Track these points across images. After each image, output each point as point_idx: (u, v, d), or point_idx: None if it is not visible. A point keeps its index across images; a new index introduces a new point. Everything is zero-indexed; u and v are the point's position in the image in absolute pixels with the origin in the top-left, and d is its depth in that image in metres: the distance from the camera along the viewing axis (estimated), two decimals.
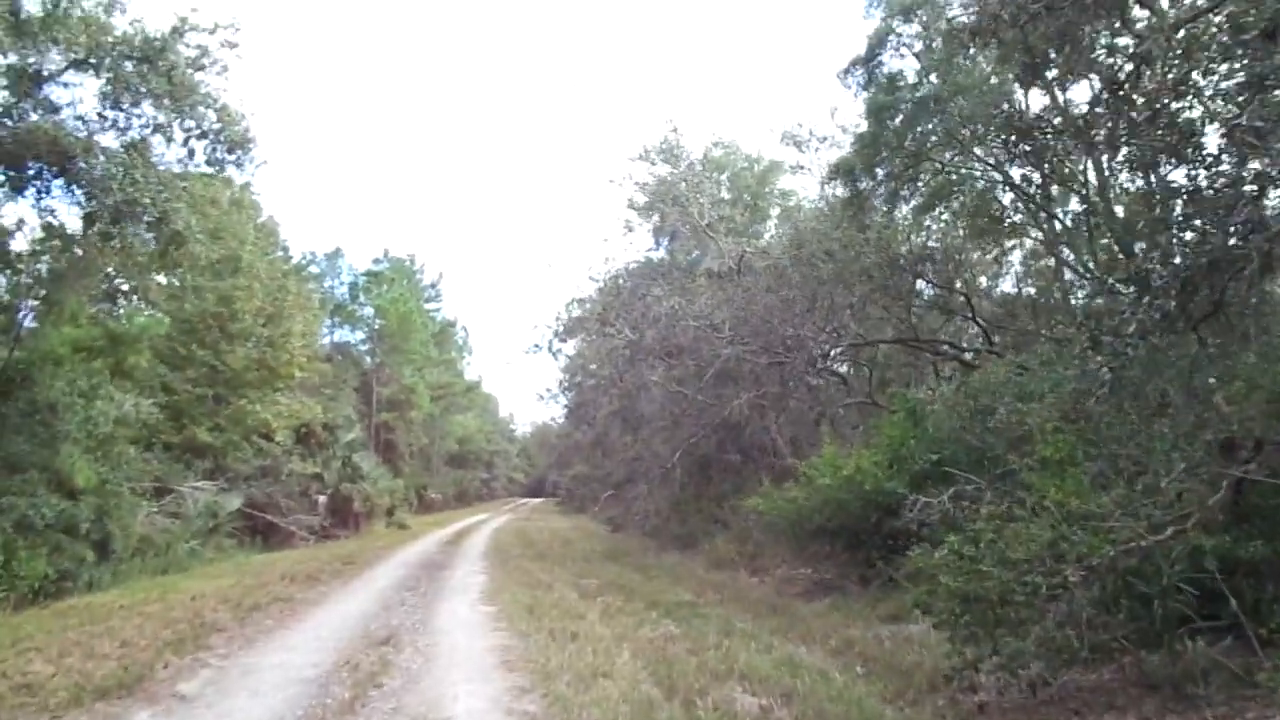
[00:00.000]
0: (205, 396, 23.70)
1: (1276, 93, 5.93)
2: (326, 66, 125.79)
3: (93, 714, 6.47)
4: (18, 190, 14.73)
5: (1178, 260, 6.32)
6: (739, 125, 56.15)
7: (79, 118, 14.86)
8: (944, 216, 18.01)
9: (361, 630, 10.01)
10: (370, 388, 47.06)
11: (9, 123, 14.04)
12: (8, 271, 15.21)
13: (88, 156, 13.62)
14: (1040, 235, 18.26)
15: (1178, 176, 10.56)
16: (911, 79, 14.07)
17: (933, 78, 13.43)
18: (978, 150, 14.38)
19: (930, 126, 14.16)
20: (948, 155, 15.01)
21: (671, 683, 6.94)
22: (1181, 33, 7.20)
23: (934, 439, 11.43)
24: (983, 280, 20.63)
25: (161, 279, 23.77)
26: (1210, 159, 6.48)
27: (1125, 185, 13.00)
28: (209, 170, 16.11)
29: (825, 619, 10.21)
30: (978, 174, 15.71)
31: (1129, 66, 8.35)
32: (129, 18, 14.60)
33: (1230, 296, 6.57)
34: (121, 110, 14.95)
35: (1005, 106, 13.24)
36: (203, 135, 15.54)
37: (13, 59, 13.71)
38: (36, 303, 15.72)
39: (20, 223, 15.30)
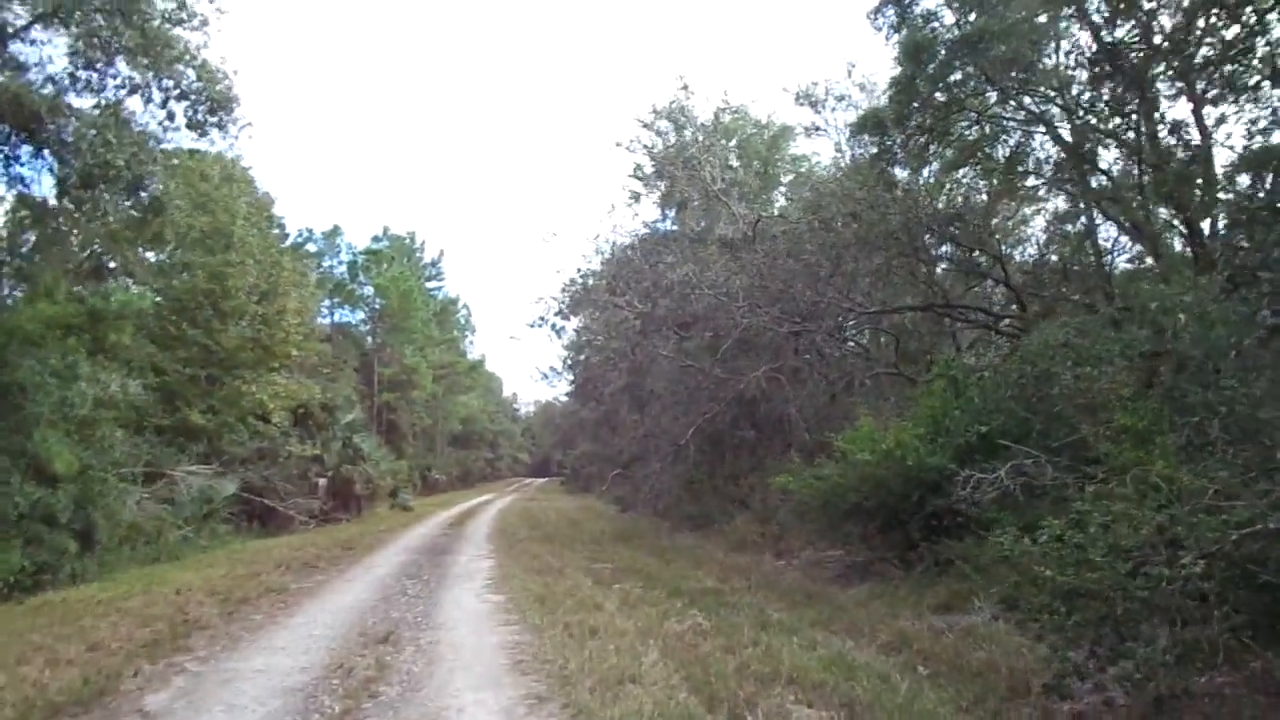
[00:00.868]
0: (198, 377, 22.76)
1: None
2: (320, 40, 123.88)
3: None
4: None
5: None
6: (746, 90, 54.70)
7: (49, 78, 13.83)
8: (972, 174, 16.95)
9: (358, 626, 9.10)
10: (371, 368, 46.24)
11: None
12: None
13: (55, 117, 12.61)
14: (1073, 193, 17.22)
15: None
16: (949, 20, 12.95)
17: (972, 17, 12.29)
18: (1025, 99, 13.28)
19: (968, 72, 13.06)
20: (985, 102, 13.92)
21: (711, 689, 6.01)
22: None
23: (980, 409, 10.47)
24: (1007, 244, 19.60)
25: (150, 256, 22.93)
26: None
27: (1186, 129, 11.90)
28: (190, 134, 14.99)
29: (868, 608, 9.28)
30: (1014, 124, 14.61)
31: None
32: None
33: None
34: (95, 70, 13.90)
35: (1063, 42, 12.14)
36: (182, 96, 14.53)
37: None
38: (10, 278, 14.72)
39: None
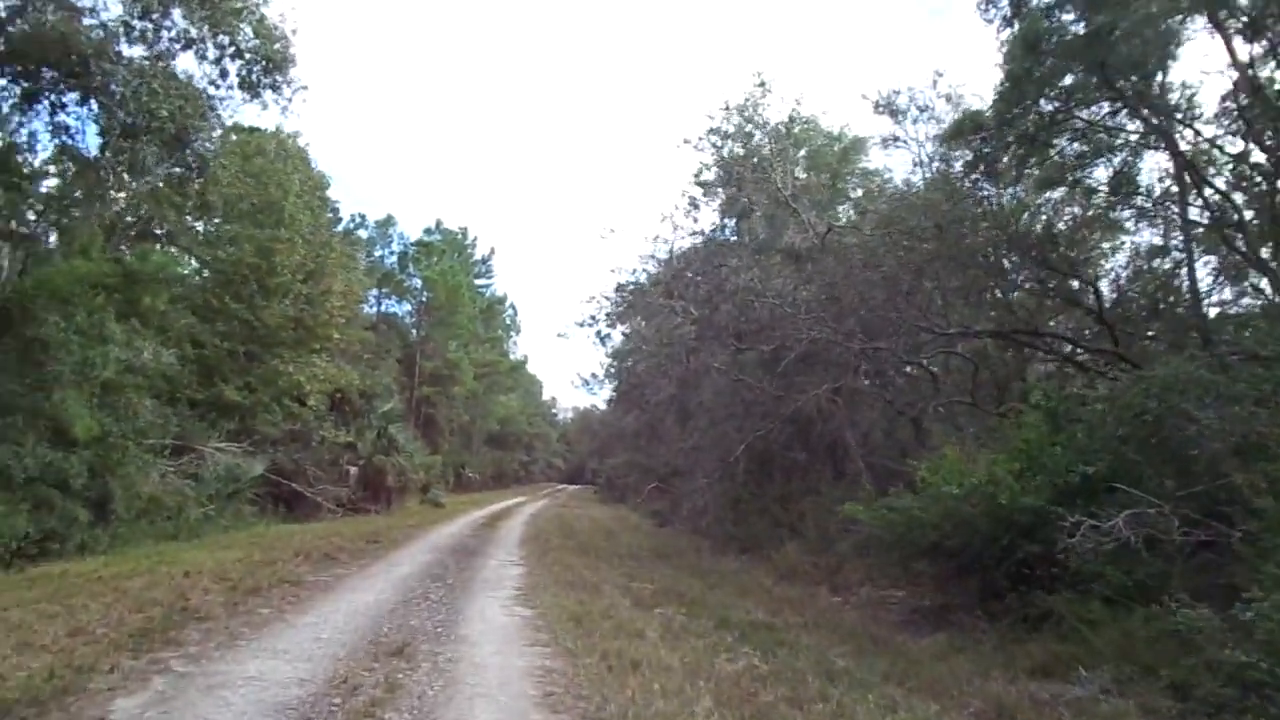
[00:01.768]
0: (236, 352, 22.15)
1: None
2: (384, 31, 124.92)
3: None
4: (30, 101, 13.13)
5: None
6: (817, 101, 53.49)
7: (102, 25, 13.21)
8: (1066, 194, 15.67)
9: (371, 632, 8.12)
10: (414, 360, 45.71)
11: (20, 22, 12.42)
12: (14, 193, 13.59)
13: (102, 62, 11.92)
14: (1169, 223, 15.89)
15: None
16: (1067, 18, 11.73)
17: (1098, 18, 11.07)
18: (1144, 110, 12.04)
19: (1080, 78, 11.86)
20: (1095, 114, 12.70)
21: None
22: None
23: (1084, 447, 9.26)
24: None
25: (200, 227, 22.46)
26: None
27: None
28: (242, 95, 14.28)
29: (948, 663, 8.11)
30: (1124, 141, 13.36)
31: None
32: None
33: None
34: (150, 19, 13.26)
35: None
36: (238, 53, 13.84)
37: None
38: (48, 229, 14.12)
39: (33, 137, 13.69)
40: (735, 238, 25.73)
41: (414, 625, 8.63)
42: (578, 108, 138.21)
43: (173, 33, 13.50)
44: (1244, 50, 11.78)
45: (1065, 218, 16.16)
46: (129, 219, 18.44)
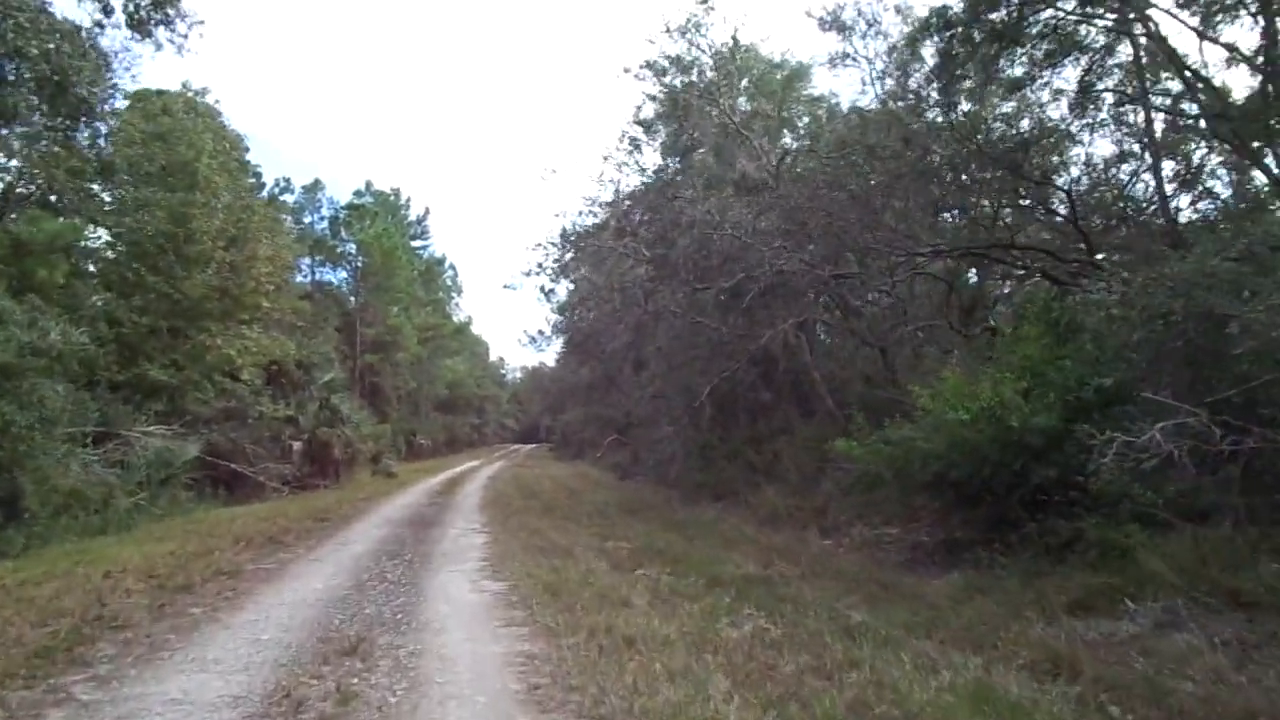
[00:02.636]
0: (158, 328, 20.59)
1: None
2: None
3: None
4: None
5: None
6: (757, 27, 51.82)
7: None
8: (1044, 93, 14.91)
9: (320, 627, 7.03)
10: (354, 328, 44.02)
11: None
12: None
13: None
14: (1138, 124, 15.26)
15: None
16: None
17: None
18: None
19: None
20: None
21: None
22: None
23: (1095, 358, 8.50)
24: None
25: (107, 197, 20.60)
26: None
27: None
28: (131, 35, 12.66)
29: (973, 606, 7.31)
30: (1101, 29, 12.57)
31: None
32: None
33: None
34: None
35: None
36: None
37: None
38: None
39: None
40: (681, 178, 24.62)
41: (370, 614, 7.56)
42: (507, 44, 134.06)
43: None
44: None
45: (1033, 124, 15.45)
46: (20, 189, 16.71)
